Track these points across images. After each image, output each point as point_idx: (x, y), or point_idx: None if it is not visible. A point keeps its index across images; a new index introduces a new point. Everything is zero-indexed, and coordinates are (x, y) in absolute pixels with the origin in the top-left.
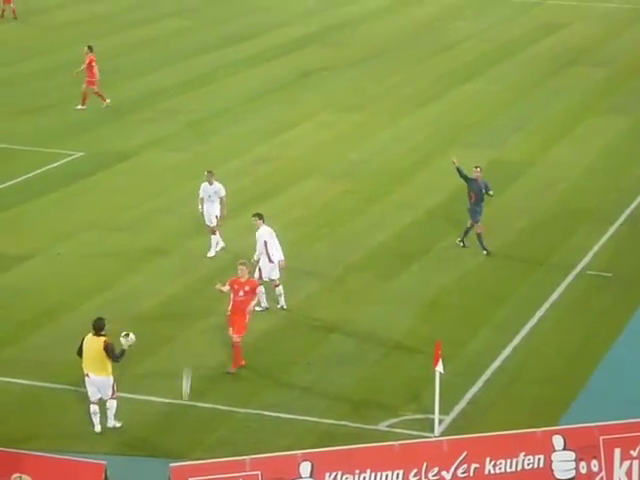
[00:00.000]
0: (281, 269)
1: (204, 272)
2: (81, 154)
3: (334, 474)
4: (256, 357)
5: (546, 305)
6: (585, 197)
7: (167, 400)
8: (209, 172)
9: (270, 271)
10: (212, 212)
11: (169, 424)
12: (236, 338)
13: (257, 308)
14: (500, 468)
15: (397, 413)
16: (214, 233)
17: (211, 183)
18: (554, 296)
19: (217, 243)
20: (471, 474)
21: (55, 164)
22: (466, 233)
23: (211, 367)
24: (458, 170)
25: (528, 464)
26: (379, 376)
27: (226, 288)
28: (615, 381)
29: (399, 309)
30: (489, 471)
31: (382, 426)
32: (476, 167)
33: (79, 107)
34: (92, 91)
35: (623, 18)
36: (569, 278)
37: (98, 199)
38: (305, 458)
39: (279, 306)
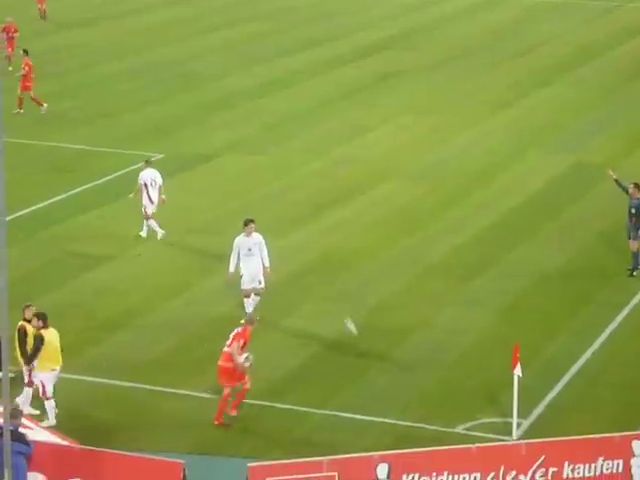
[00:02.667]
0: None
1: (282, 274)
2: (161, 156)
3: (411, 476)
4: (333, 358)
5: (627, 310)
6: None
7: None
8: (147, 161)
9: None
10: (154, 198)
11: (247, 424)
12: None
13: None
14: (578, 472)
15: (475, 416)
16: (149, 219)
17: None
18: (635, 300)
19: (154, 228)
20: (549, 478)
21: (135, 166)
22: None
23: (290, 368)
24: (617, 182)
25: (607, 469)
26: (457, 379)
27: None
28: None
29: (478, 311)
30: (567, 475)
31: (460, 429)
32: (632, 184)
33: (17, 111)
34: (28, 96)
35: None
36: None
37: (177, 201)
38: (382, 460)
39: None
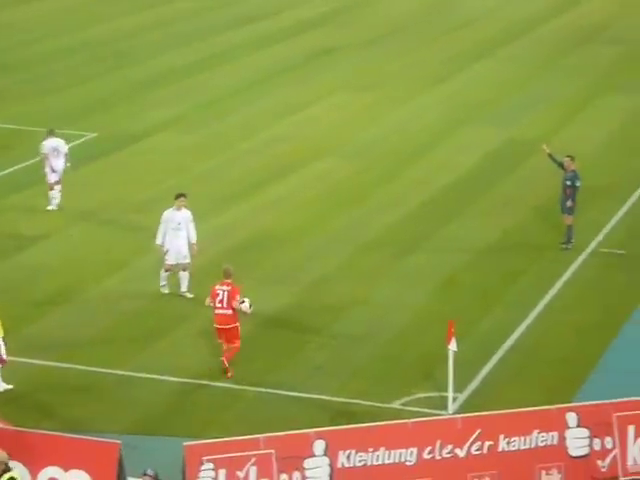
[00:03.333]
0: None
1: (216, 252)
2: (94, 135)
3: (348, 452)
4: (269, 336)
5: (560, 283)
6: (599, 175)
7: (181, 379)
8: (49, 130)
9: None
10: (59, 167)
11: (184, 404)
12: None
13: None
14: (514, 445)
15: (411, 391)
16: (52, 189)
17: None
18: (568, 274)
19: (50, 199)
20: (485, 451)
21: (68, 145)
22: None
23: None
24: (551, 157)
25: (542, 441)
26: (393, 354)
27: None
28: (629, 358)
29: (413, 287)
30: (503, 448)
31: (396, 404)
32: (566, 156)
33: None
34: None
35: None
36: (583, 256)
37: (112, 180)
38: (319, 436)
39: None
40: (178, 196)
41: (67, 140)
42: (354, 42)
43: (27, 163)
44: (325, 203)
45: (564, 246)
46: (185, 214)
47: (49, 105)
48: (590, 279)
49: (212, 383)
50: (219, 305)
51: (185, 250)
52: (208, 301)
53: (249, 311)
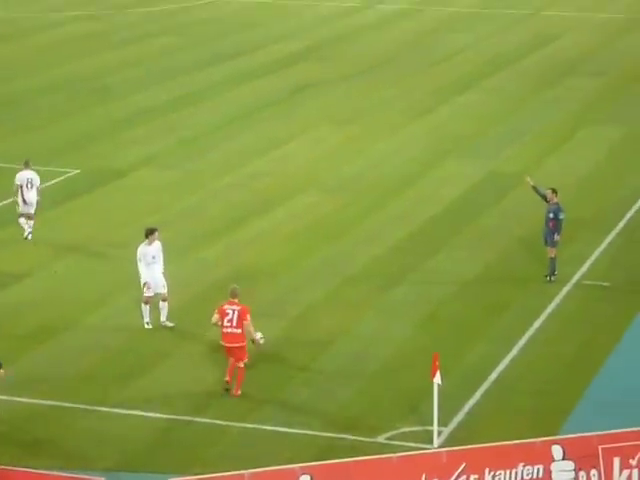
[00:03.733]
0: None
1: (201, 287)
2: (77, 172)
3: None
4: (254, 371)
5: (544, 316)
6: (581, 207)
7: (166, 416)
8: (25, 162)
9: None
10: (32, 199)
11: (168, 440)
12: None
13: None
14: (499, 478)
15: (396, 425)
16: (31, 218)
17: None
18: (552, 306)
19: (22, 226)
20: None
21: (51, 182)
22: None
23: (209, 382)
24: (535, 189)
25: (527, 474)
26: (377, 389)
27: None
28: (614, 390)
29: (397, 321)
30: None
31: (381, 439)
32: (549, 189)
33: None
34: None
35: (616, 28)
36: (567, 288)
37: (94, 216)
38: (304, 472)
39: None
40: (152, 231)
41: (50, 177)
42: (336, 76)
43: (9, 200)
44: (309, 237)
45: (548, 278)
46: (158, 246)
47: (31, 142)
48: (574, 311)
49: (196, 419)
50: (228, 324)
51: (162, 280)
52: (215, 319)
53: (262, 342)
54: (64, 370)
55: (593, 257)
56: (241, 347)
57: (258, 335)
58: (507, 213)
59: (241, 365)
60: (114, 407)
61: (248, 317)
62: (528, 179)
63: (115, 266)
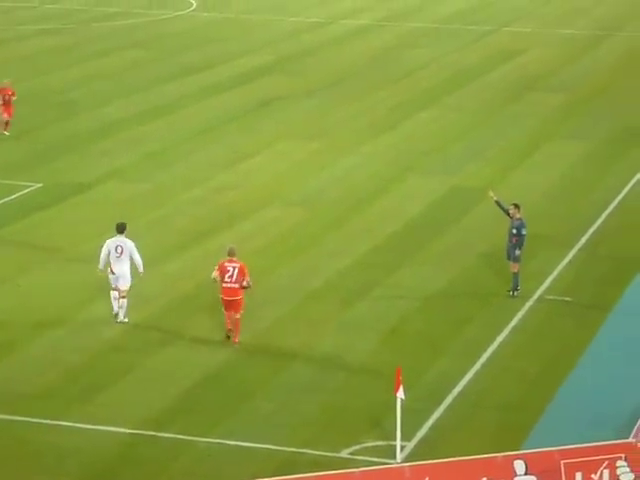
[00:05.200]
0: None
1: (166, 300)
2: (39, 185)
3: None
4: (217, 386)
5: (507, 330)
6: (544, 222)
7: (129, 431)
8: None
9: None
10: None
11: (131, 455)
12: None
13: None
14: None
15: (359, 440)
16: None
17: None
18: (514, 321)
19: None
20: None
21: (13, 196)
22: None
23: (172, 397)
24: (498, 204)
25: None
26: (340, 403)
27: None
28: (576, 405)
29: (360, 336)
30: None
31: (344, 453)
32: (512, 204)
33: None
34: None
35: (579, 44)
36: (529, 303)
37: (57, 231)
38: None
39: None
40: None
41: (12, 190)
42: (299, 91)
43: None
44: (272, 251)
45: (511, 293)
46: (125, 241)
47: None
48: (537, 326)
49: (160, 434)
50: (228, 280)
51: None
52: (215, 275)
53: (249, 285)
54: (26, 385)
55: (556, 272)
56: (239, 300)
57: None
58: (470, 228)
59: (237, 316)
60: (76, 422)
61: (246, 273)
62: (491, 194)
63: (79, 281)
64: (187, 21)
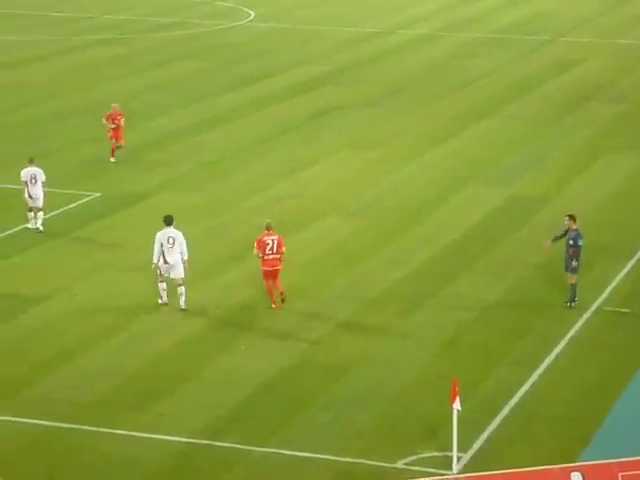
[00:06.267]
0: (185, 269)
1: (219, 311)
2: (97, 195)
3: None
4: (273, 395)
5: (564, 342)
6: (601, 233)
7: (184, 439)
8: (29, 159)
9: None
10: (38, 193)
11: (186, 464)
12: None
13: (159, 301)
14: None
15: (415, 451)
16: (39, 211)
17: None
18: (572, 332)
19: (39, 219)
20: None
21: (72, 205)
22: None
23: (229, 406)
24: (555, 239)
25: None
26: (397, 414)
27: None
28: (634, 417)
29: (417, 346)
30: None
31: (400, 464)
32: (566, 216)
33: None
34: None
35: (637, 54)
36: (587, 314)
37: (115, 240)
38: None
39: (181, 306)
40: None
41: (70, 200)
42: (358, 100)
43: (26, 225)
44: (329, 260)
45: (568, 304)
46: (175, 233)
47: (53, 165)
48: (594, 337)
49: (214, 443)
50: (269, 252)
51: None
52: (256, 251)
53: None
54: (82, 393)
55: (614, 283)
56: (279, 270)
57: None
58: (527, 239)
59: (278, 285)
60: (131, 430)
61: (284, 244)
62: (546, 244)
63: (136, 289)
64: (245, 31)
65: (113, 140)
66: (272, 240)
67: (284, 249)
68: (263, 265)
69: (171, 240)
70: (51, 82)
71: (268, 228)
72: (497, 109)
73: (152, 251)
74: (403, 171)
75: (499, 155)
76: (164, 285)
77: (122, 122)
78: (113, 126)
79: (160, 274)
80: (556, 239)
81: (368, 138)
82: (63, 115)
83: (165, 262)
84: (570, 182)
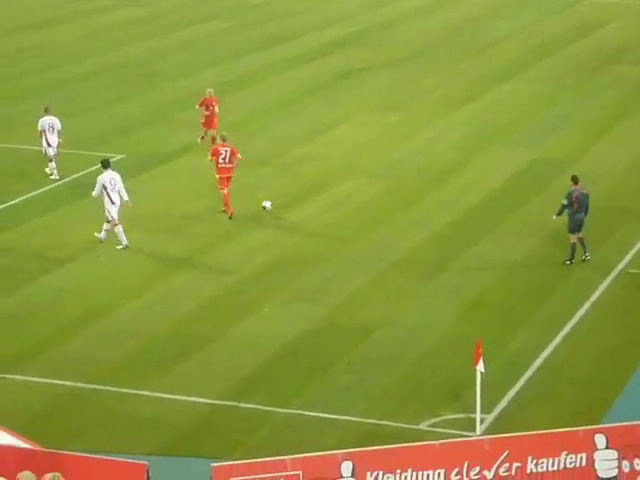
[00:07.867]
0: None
1: (243, 274)
2: (122, 156)
3: (375, 473)
4: (296, 357)
5: (587, 304)
6: (626, 195)
7: (208, 401)
8: (45, 109)
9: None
10: (54, 141)
11: (210, 424)
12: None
13: (118, 247)
14: (542, 467)
15: (438, 412)
16: (51, 160)
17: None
18: (595, 295)
19: (52, 170)
20: (513, 473)
21: (94, 167)
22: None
23: (252, 368)
24: (560, 211)
25: (570, 463)
26: (420, 375)
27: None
28: None
29: (440, 308)
30: (531, 470)
31: (423, 425)
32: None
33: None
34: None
35: None
36: (610, 277)
37: (139, 202)
38: (346, 458)
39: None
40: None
41: (94, 162)
42: (381, 62)
43: (52, 186)
44: (352, 223)
45: (568, 263)
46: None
47: (77, 127)
48: (618, 300)
49: (239, 404)
50: (222, 161)
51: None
52: (210, 158)
53: (269, 208)
54: (107, 354)
55: (637, 246)
56: (231, 177)
57: (268, 203)
58: (551, 200)
59: (226, 191)
60: (156, 392)
61: (237, 153)
62: (554, 218)
63: (160, 252)
64: None
65: (204, 128)
66: (225, 150)
67: (239, 156)
68: (218, 172)
69: (113, 181)
70: (76, 43)
71: (223, 139)
72: (520, 71)
73: (94, 190)
74: (426, 133)
75: (522, 117)
76: (120, 228)
77: (216, 108)
78: (207, 113)
79: (112, 218)
80: (562, 210)
81: (391, 100)
82: (87, 77)
83: (112, 202)
84: (594, 144)
